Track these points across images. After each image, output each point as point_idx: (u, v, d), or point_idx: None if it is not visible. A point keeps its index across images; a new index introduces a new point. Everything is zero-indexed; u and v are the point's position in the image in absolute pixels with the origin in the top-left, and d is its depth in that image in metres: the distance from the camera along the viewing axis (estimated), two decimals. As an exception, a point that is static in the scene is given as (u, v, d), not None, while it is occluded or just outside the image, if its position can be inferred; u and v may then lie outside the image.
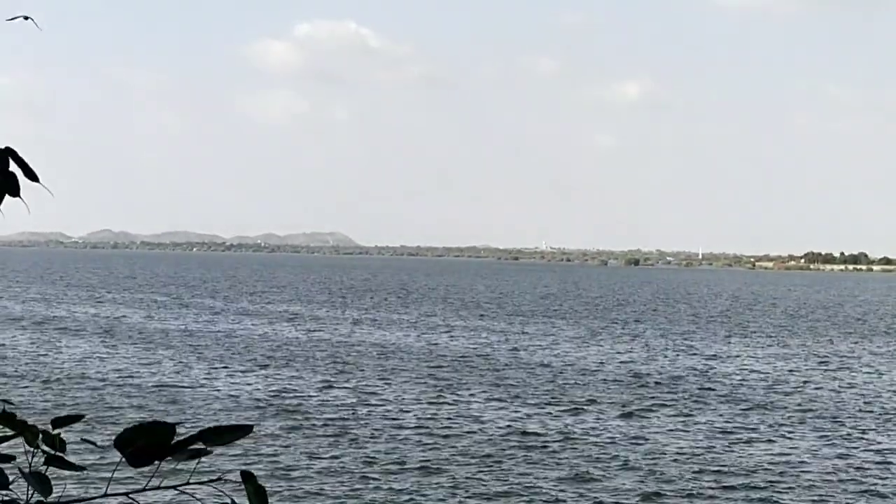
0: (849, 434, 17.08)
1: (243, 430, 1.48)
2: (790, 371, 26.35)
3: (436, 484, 12.50)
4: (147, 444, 1.39)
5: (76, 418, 1.40)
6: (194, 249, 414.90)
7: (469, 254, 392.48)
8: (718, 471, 13.92)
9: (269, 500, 1.39)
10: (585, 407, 19.15)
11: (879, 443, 16.56)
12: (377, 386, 21.49)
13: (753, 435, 16.76)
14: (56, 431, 1.32)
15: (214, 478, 1.37)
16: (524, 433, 16.10)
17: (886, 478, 14.00)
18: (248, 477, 1.44)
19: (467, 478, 12.88)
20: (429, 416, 17.65)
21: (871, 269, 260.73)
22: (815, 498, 12.70)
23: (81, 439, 1.53)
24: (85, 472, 1.41)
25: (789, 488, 13.13)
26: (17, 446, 1.31)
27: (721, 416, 18.43)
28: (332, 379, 22.53)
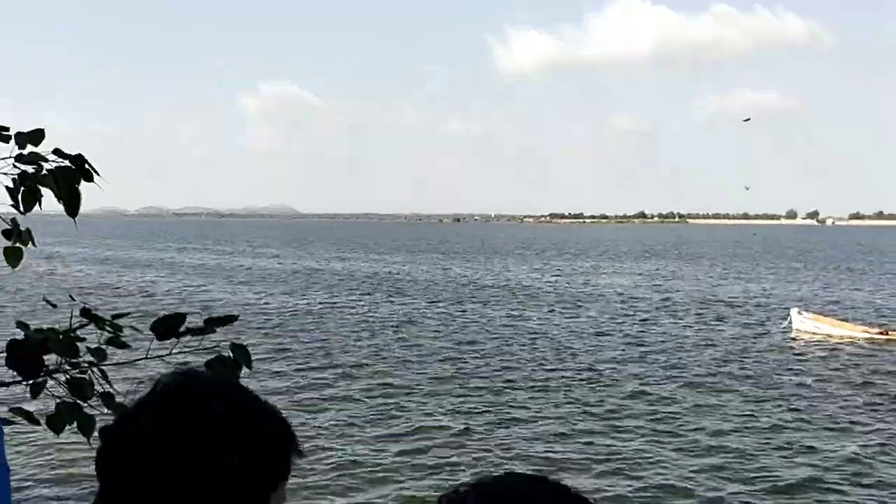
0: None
1: (230, 319, 2.33)
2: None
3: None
4: (168, 327, 2.21)
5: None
6: (203, 217, 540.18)
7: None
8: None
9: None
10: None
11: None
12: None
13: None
14: (117, 320, 2.10)
15: (214, 344, 2.20)
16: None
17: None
18: (235, 346, 2.29)
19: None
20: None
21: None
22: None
23: (131, 327, 2.27)
24: (131, 347, 2.19)
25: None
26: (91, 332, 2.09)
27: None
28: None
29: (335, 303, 29.60)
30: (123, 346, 2.15)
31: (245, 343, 2.23)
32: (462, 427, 12.29)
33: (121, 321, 2.15)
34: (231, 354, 2.16)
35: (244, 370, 2.19)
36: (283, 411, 1.10)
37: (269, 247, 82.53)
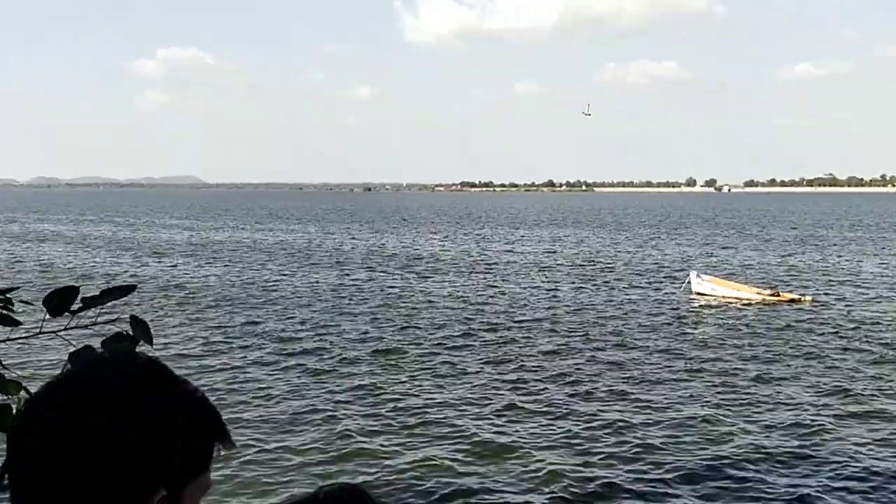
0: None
1: (128, 290, 2.25)
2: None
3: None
4: (61, 300, 2.11)
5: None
6: (101, 188, 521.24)
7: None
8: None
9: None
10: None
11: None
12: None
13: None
14: (8, 295, 1.99)
15: (113, 318, 2.12)
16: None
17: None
18: (135, 320, 2.22)
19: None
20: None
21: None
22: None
23: (21, 301, 2.15)
24: (21, 324, 2.08)
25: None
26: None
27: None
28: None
29: (245, 275, 28.96)
30: (14, 323, 2.04)
31: (148, 317, 2.15)
32: (375, 399, 12.34)
33: (11, 295, 2.03)
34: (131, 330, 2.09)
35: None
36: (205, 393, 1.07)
37: (173, 217, 79.87)
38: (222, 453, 1.03)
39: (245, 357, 15.04)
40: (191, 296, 23.32)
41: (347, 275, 29.04)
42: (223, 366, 14.27)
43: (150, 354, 1.11)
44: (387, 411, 11.55)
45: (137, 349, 2.09)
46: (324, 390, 12.72)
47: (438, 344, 16.39)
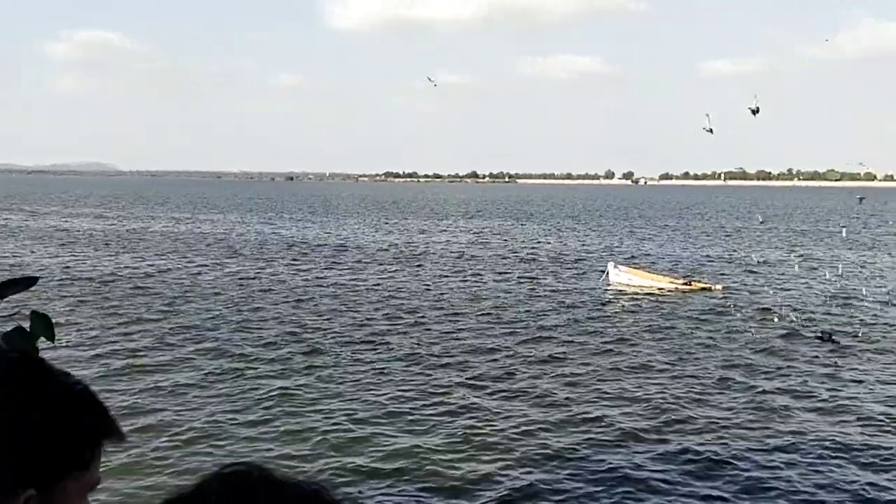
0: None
1: (28, 282, 2.14)
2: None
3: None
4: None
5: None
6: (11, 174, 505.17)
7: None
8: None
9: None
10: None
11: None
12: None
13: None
14: None
15: (14, 312, 2.02)
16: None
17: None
18: (36, 314, 2.11)
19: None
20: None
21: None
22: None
23: None
24: None
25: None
26: None
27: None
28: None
29: (160, 267, 28.07)
30: None
31: (56, 311, 2.05)
32: (296, 386, 12.19)
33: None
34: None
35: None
36: (97, 387, 1.02)
37: (85, 206, 76.62)
38: (110, 448, 0.99)
39: (157, 352, 14.59)
40: (102, 288, 22.44)
41: (269, 266, 28.53)
42: (131, 359, 13.81)
43: (54, 350, 1.06)
44: (307, 412, 11.42)
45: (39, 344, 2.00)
46: (237, 388, 12.47)
47: (360, 338, 16.30)
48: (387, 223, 56.89)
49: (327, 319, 18.02)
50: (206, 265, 28.44)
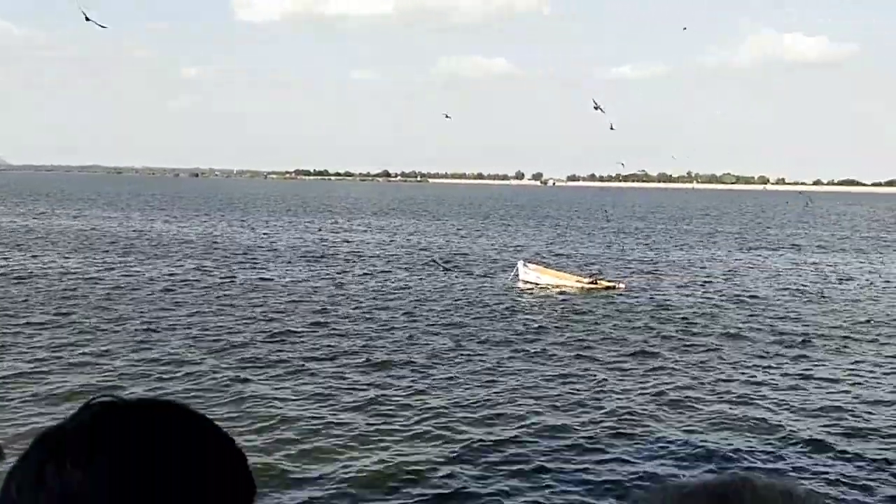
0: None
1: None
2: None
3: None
4: None
5: None
6: None
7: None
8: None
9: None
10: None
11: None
12: None
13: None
14: None
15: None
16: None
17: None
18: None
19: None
20: None
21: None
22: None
23: None
24: None
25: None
26: None
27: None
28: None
29: (51, 267, 26.78)
30: None
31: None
32: (201, 389, 11.93)
33: None
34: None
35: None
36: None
37: (-31, 202, 72.05)
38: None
39: (42, 359, 13.97)
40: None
41: (171, 266, 27.67)
42: (19, 364, 13.17)
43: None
44: (217, 414, 11.21)
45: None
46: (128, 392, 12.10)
47: (268, 337, 16.08)
48: (297, 221, 56.08)
49: (237, 321, 17.67)
50: (101, 267, 27.31)
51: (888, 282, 27.15)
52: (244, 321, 17.43)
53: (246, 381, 12.47)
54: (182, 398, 11.36)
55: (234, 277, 24.71)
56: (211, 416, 0.79)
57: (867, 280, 27.61)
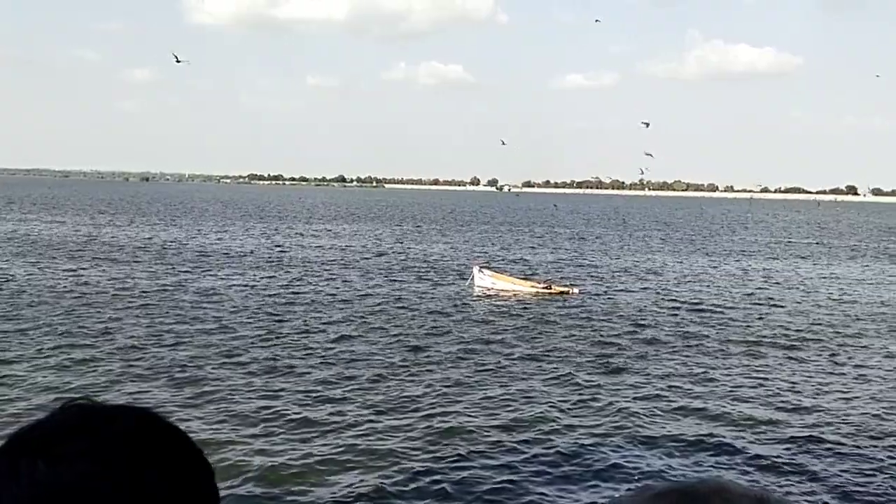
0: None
1: None
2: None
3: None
4: None
5: None
6: None
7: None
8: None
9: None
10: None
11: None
12: None
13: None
14: None
15: None
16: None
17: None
18: None
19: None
20: None
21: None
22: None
23: None
24: None
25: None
26: None
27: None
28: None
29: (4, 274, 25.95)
30: None
31: None
32: (148, 396, 11.69)
33: None
34: None
35: None
36: None
37: None
38: None
39: None
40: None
41: (120, 271, 27.05)
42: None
43: None
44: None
45: None
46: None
47: (219, 344, 15.84)
48: (251, 227, 55.38)
49: (187, 326, 17.36)
50: (44, 269, 26.56)
51: (832, 286, 28.00)
52: (194, 328, 17.12)
53: (190, 394, 12.25)
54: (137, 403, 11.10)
55: (185, 284, 24.26)
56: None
57: (813, 284, 28.43)
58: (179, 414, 10.93)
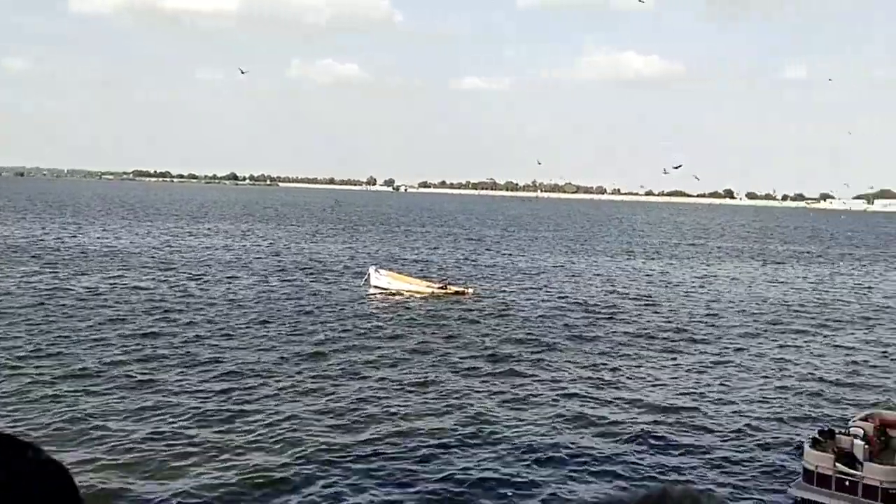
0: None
1: None
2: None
3: None
4: None
5: None
6: None
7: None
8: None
9: None
10: None
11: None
12: None
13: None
14: None
15: None
16: None
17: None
18: None
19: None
20: None
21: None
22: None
23: None
24: None
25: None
26: None
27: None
28: None
29: None
30: None
31: None
32: (62, 394, 11.14)
33: None
34: None
35: None
36: None
37: None
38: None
39: None
40: None
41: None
42: None
43: None
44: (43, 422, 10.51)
45: None
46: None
47: (102, 350, 15.24)
48: (137, 226, 53.07)
49: (69, 332, 16.57)
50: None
51: (711, 285, 29.74)
52: (76, 333, 16.37)
53: (77, 395, 11.76)
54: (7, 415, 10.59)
55: (68, 286, 23.08)
56: (38, 434, 0.83)
57: (693, 283, 30.09)
58: (39, 438, 10.48)
